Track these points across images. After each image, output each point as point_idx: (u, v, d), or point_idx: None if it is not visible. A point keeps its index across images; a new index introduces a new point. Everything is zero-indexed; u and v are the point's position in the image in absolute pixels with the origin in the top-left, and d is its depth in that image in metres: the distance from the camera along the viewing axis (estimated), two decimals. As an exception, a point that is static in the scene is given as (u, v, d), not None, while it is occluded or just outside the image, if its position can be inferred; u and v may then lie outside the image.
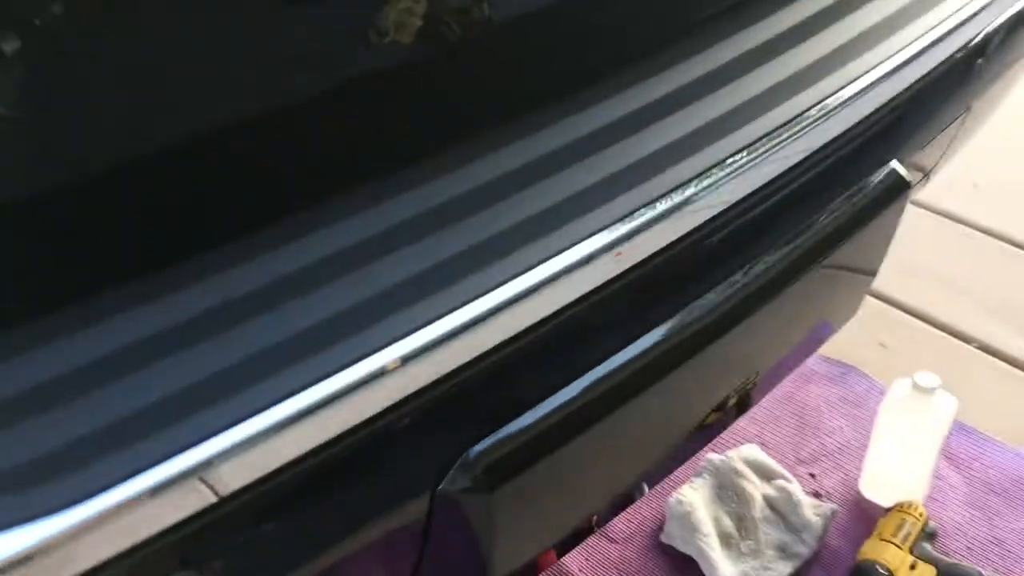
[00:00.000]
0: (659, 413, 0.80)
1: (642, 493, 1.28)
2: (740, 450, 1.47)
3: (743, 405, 1.03)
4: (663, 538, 1.37)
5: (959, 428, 1.54)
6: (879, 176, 0.81)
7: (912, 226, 1.95)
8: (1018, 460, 1.50)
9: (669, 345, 0.72)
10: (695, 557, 1.33)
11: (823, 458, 1.51)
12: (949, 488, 1.46)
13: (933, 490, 1.43)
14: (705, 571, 1.31)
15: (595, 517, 1.22)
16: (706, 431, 1.04)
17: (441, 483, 0.60)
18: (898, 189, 0.84)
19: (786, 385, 1.64)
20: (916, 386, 1.30)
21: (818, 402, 1.60)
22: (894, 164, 0.83)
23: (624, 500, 1.24)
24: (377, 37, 0.61)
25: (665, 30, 0.75)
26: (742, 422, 1.56)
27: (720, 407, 0.96)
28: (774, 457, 1.48)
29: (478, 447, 0.62)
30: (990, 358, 1.72)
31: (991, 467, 1.49)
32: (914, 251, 1.96)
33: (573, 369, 0.68)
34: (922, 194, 1.97)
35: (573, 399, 0.67)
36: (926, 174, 1.01)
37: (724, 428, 1.17)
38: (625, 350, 0.69)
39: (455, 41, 0.64)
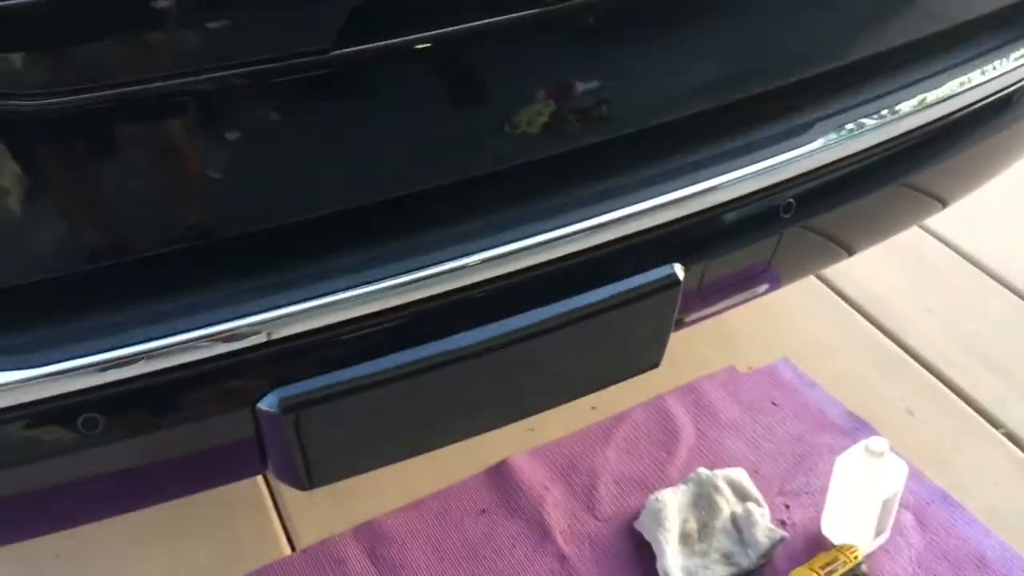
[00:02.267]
0: (435, 401, 1.07)
1: None
2: (728, 470, 1.70)
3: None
4: (636, 525, 1.64)
5: (943, 498, 1.70)
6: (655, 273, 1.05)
7: (979, 298, 2.07)
8: (987, 540, 1.63)
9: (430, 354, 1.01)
10: (653, 546, 1.59)
11: (804, 495, 1.71)
12: (907, 546, 1.62)
13: (889, 543, 1.61)
14: (657, 557, 1.57)
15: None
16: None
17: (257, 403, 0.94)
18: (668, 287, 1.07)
19: (803, 426, 1.84)
20: (868, 449, 1.50)
21: (823, 448, 1.79)
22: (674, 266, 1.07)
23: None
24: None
25: None
26: (745, 448, 1.79)
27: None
28: (760, 483, 1.70)
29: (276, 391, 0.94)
30: (1011, 446, 1.83)
31: (956, 539, 1.64)
32: (969, 320, 2.07)
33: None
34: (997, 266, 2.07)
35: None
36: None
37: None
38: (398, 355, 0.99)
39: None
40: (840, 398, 1.90)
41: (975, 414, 1.89)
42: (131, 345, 0.82)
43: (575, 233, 0.96)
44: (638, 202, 0.98)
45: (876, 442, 1.49)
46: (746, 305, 2.12)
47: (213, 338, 0.85)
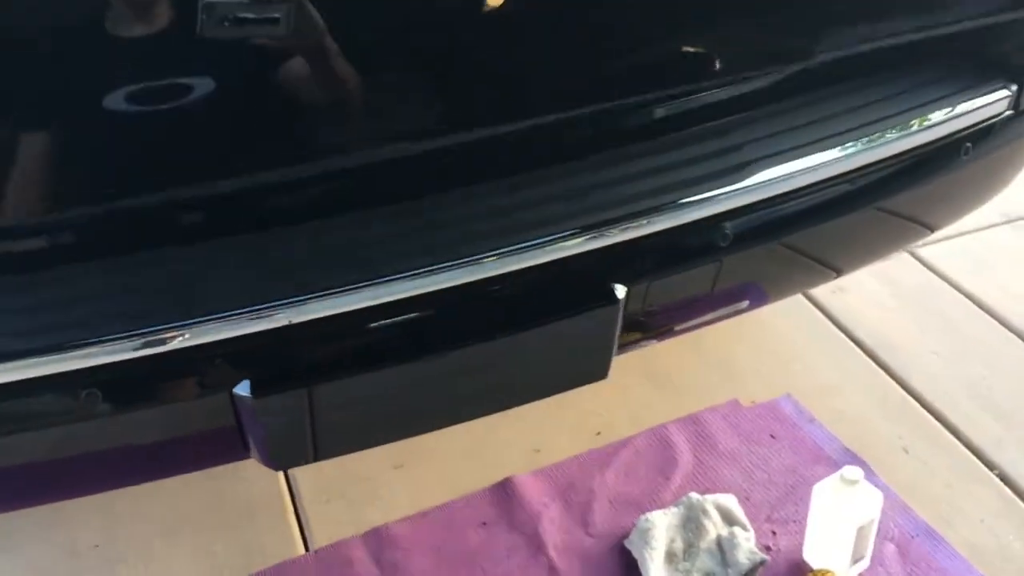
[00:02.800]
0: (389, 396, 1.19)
1: None
2: (718, 496, 1.79)
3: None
4: (625, 543, 1.74)
5: (927, 532, 1.76)
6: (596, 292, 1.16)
7: (988, 344, 2.12)
8: (966, 574, 1.69)
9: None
10: (639, 562, 1.68)
11: (792, 523, 1.78)
12: (886, 574, 1.69)
13: (870, 571, 1.68)
14: (642, 574, 1.67)
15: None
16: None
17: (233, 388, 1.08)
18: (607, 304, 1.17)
19: (798, 459, 1.92)
20: (843, 477, 1.57)
21: (815, 480, 1.86)
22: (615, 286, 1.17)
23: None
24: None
25: None
26: (739, 476, 1.88)
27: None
28: (749, 509, 1.79)
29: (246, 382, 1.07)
30: (1003, 487, 1.87)
31: (936, 571, 1.69)
32: (975, 365, 2.12)
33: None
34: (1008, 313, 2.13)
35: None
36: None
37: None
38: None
39: None
40: (838, 434, 1.97)
41: (970, 455, 1.94)
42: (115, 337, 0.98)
43: (522, 250, 1.09)
44: (582, 226, 1.11)
45: (850, 470, 1.57)
46: (753, 341, 2.23)
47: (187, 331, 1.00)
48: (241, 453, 1.15)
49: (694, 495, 1.78)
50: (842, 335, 2.25)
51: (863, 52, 1.24)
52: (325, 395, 1.10)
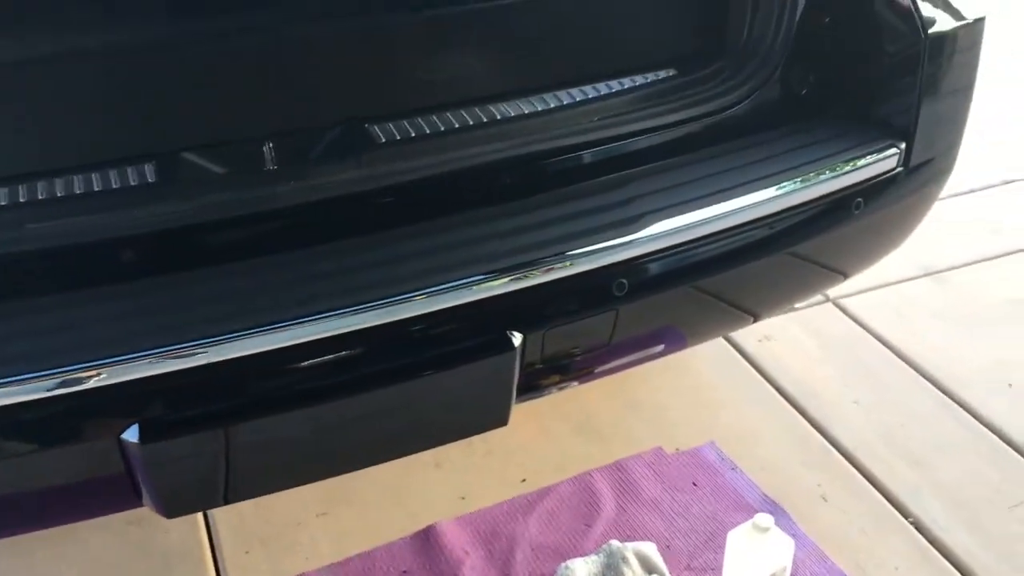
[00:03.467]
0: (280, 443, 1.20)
1: None
2: (638, 544, 1.80)
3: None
4: (545, 590, 1.75)
5: (841, 578, 1.79)
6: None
7: (907, 394, 2.17)
8: (879, 621, 1.71)
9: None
10: (558, 610, 1.69)
11: (710, 570, 1.80)
12: (800, 622, 1.71)
13: (783, 618, 1.70)
14: (560, 621, 1.67)
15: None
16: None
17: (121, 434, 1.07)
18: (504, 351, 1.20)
19: (718, 506, 1.94)
20: (755, 524, 1.60)
21: (734, 527, 1.89)
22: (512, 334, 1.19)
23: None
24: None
25: None
26: (660, 524, 1.89)
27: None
28: (669, 557, 1.80)
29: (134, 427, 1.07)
30: (917, 535, 1.91)
31: (849, 619, 1.72)
32: (894, 415, 2.17)
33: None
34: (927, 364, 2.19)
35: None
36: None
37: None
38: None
39: None
40: (759, 482, 2.00)
41: (887, 503, 1.98)
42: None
43: (417, 297, 1.11)
44: (476, 275, 1.13)
45: (762, 518, 1.59)
46: (679, 389, 2.26)
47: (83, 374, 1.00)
48: (134, 501, 1.14)
49: (614, 543, 1.79)
50: (767, 384, 2.29)
51: (763, 111, 1.29)
52: (214, 440, 1.11)
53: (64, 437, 1.06)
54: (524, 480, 2.01)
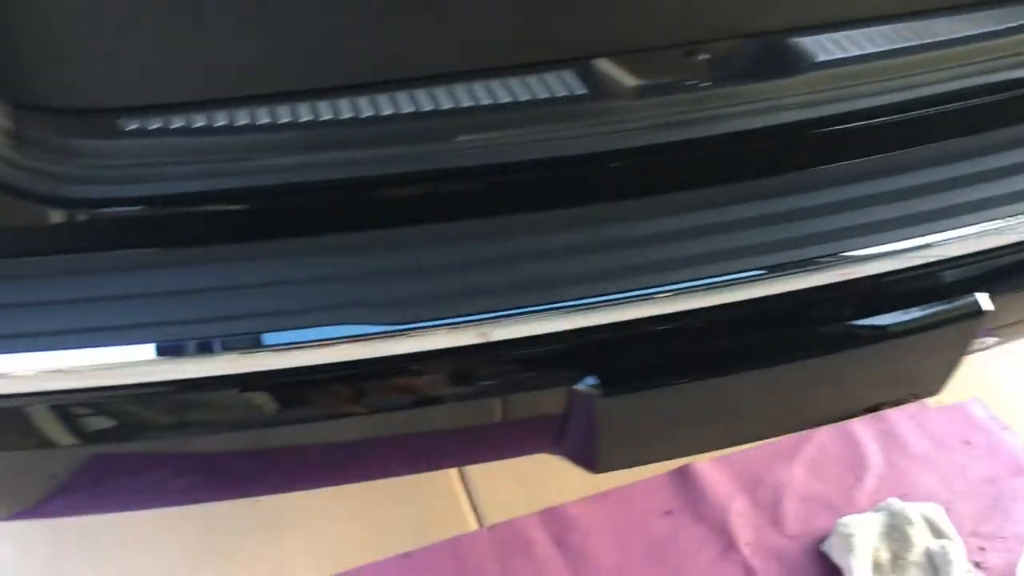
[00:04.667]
0: (737, 401, 1.08)
1: None
2: (923, 505, 1.67)
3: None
4: (823, 547, 1.63)
5: None
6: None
7: None
8: None
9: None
10: (843, 571, 1.57)
11: (999, 539, 1.66)
12: (1110, 606, 1.57)
13: (1092, 601, 1.56)
14: (848, 581, 1.56)
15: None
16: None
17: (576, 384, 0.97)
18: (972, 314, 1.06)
19: (999, 469, 1.79)
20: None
21: (1019, 493, 1.74)
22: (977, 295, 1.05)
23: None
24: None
25: None
26: (937, 484, 1.75)
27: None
28: (953, 521, 1.67)
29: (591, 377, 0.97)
30: None
31: None
32: None
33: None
34: None
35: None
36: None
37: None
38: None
39: None
40: (1037, 445, 1.84)
41: None
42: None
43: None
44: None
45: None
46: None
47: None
48: (546, 448, 1.04)
49: (895, 502, 1.66)
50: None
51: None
52: (672, 397, 0.99)
53: (519, 381, 0.95)
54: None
